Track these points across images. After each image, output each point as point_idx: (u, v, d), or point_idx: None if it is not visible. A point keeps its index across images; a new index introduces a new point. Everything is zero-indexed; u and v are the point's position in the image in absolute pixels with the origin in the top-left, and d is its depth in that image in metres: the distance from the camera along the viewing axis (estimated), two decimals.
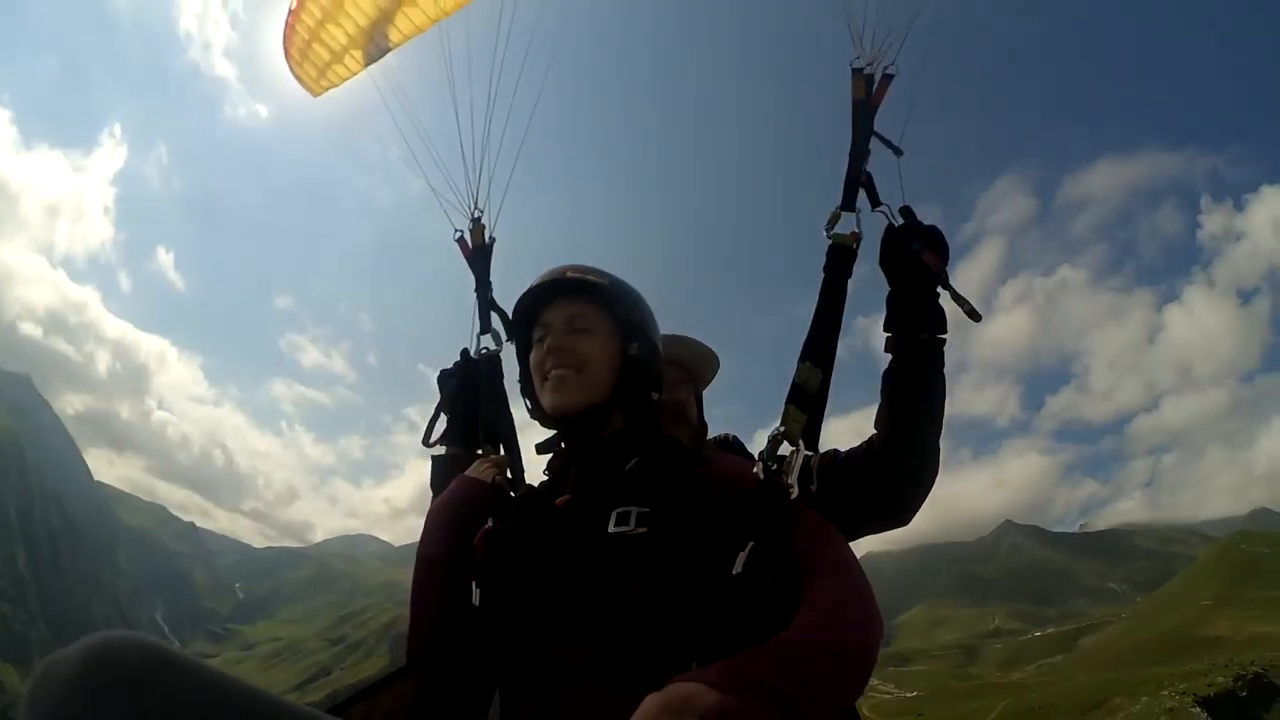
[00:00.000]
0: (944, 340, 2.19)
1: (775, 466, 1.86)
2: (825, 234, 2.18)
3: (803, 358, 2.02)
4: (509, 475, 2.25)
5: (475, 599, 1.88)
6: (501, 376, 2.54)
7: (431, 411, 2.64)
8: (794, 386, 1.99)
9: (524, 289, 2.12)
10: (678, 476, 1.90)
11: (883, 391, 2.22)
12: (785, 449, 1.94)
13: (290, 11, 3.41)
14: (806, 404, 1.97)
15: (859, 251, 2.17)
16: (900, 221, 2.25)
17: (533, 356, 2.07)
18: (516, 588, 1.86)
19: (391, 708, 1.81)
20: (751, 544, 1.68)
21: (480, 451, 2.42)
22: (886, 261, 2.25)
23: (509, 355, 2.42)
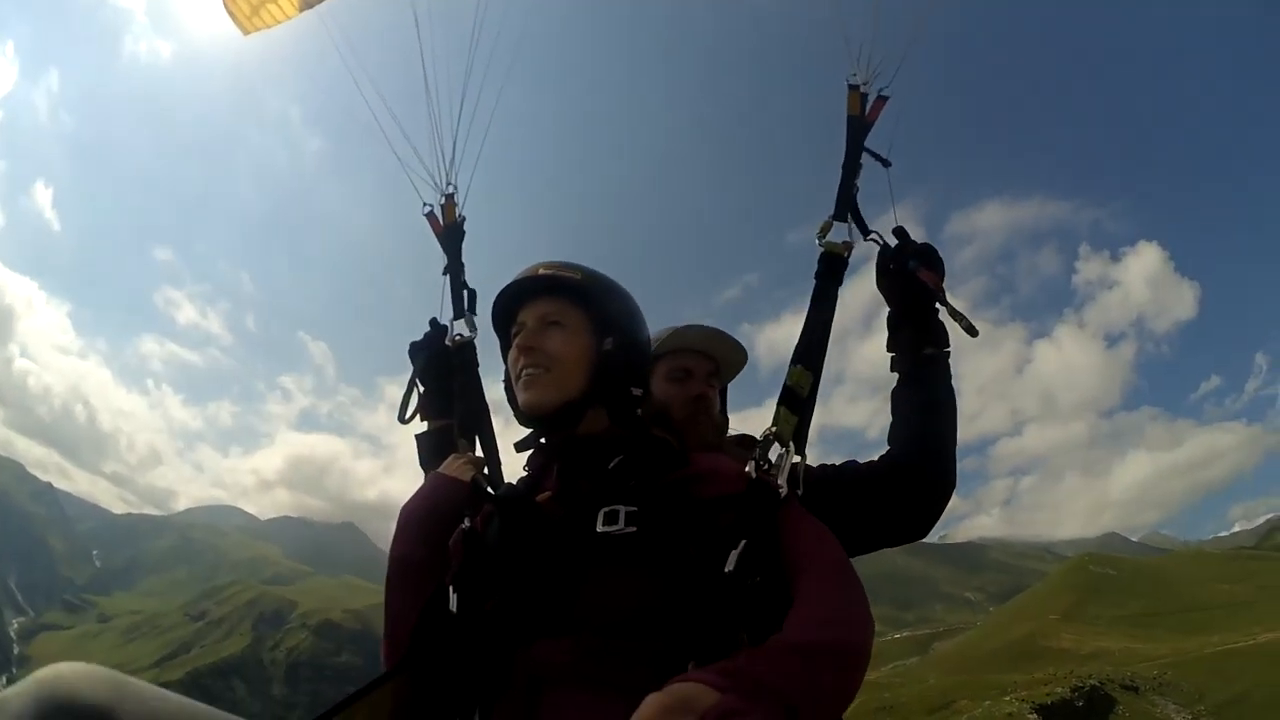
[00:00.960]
0: (948, 353, 2.27)
1: (766, 467, 1.85)
2: (817, 242, 2.21)
3: (794, 361, 2.03)
4: (486, 472, 2.22)
5: (452, 603, 1.80)
6: (477, 365, 2.48)
7: (405, 385, 2.56)
8: (785, 389, 2.00)
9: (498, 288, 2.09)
10: (663, 475, 1.85)
11: (894, 410, 2.25)
12: (775, 450, 1.92)
13: None
14: (797, 406, 1.98)
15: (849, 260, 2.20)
16: (894, 242, 2.29)
17: (510, 356, 2.03)
18: (497, 589, 1.78)
19: (370, 718, 1.73)
20: (744, 543, 1.67)
21: (458, 448, 2.33)
22: (884, 281, 2.31)
23: (488, 343, 2.29)
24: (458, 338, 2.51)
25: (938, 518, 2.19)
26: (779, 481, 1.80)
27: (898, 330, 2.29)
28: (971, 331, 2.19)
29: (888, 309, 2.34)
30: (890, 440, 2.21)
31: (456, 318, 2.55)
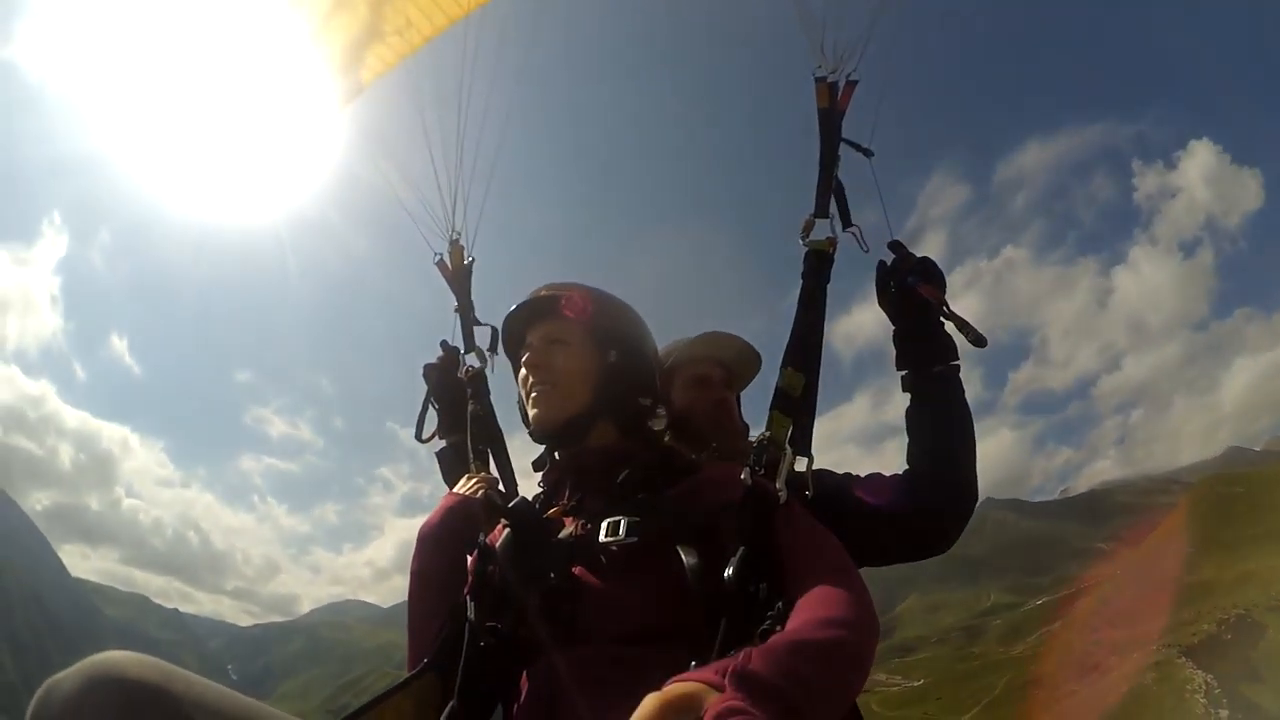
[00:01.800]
0: (957, 367, 2.23)
1: (762, 472, 1.86)
2: (801, 241, 2.19)
3: (785, 363, 2.04)
4: (499, 490, 2.33)
5: (470, 612, 1.88)
6: (488, 393, 2.61)
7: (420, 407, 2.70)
8: (777, 392, 2.00)
9: (506, 312, 2.25)
10: (669, 485, 1.94)
11: (910, 429, 2.24)
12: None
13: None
14: (791, 408, 1.98)
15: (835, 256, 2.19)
16: (891, 257, 2.30)
17: (519, 376, 2.19)
18: (510, 599, 1.89)
19: (416, 711, 1.82)
20: (742, 549, 1.69)
21: (471, 469, 2.47)
22: (885, 299, 2.31)
23: (503, 371, 2.54)
24: (469, 369, 2.63)
25: (960, 533, 2.19)
26: (777, 486, 1.81)
27: (904, 348, 2.25)
28: (979, 342, 2.13)
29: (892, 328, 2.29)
30: (909, 460, 2.20)
31: (467, 351, 2.67)
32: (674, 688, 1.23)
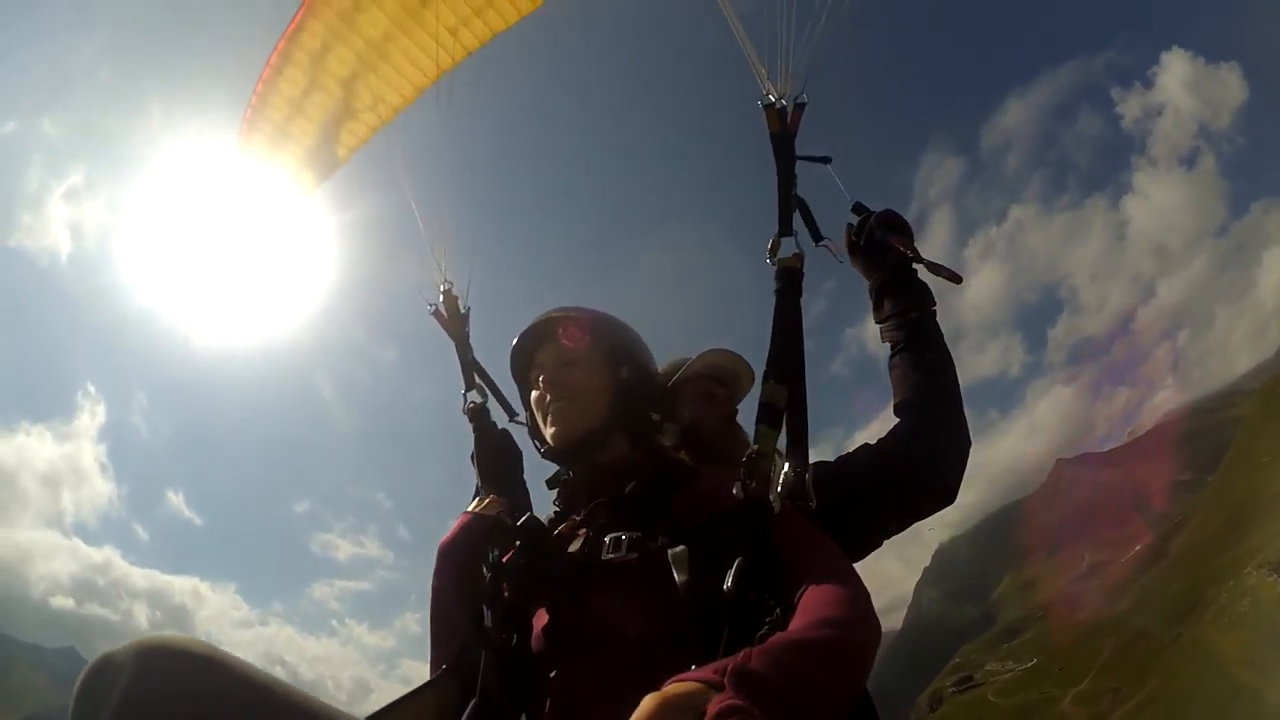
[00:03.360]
0: (935, 312, 2.28)
1: (754, 484, 1.87)
2: (769, 261, 2.23)
3: (766, 378, 2.07)
4: (510, 512, 2.39)
5: (488, 619, 1.97)
6: (493, 424, 2.80)
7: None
8: (761, 406, 2.03)
9: (514, 338, 2.32)
10: (673, 496, 1.99)
11: (893, 380, 2.27)
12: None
13: (242, 125, 3.57)
14: (776, 421, 2.01)
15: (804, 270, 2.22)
16: (854, 221, 2.36)
17: (533, 397, 2.25)
18: (522, 612, 1.96)
19: (435, 716, 1.95)
20: (739, 559, 1.71)
21: (481, 494, 2.62)
22: (857, 258, 2.38)
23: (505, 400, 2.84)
24: (472, 405, 2.79)
25: (959, 480, 2.17)
26: (770, 497, 1.84)
27: (880, 300, 2.28)
28: (954, 279, 2.16)
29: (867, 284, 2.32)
30: (896, 412, 2.21)
31: (468, 390, 2.81)
32: (673, 687, 1.23)
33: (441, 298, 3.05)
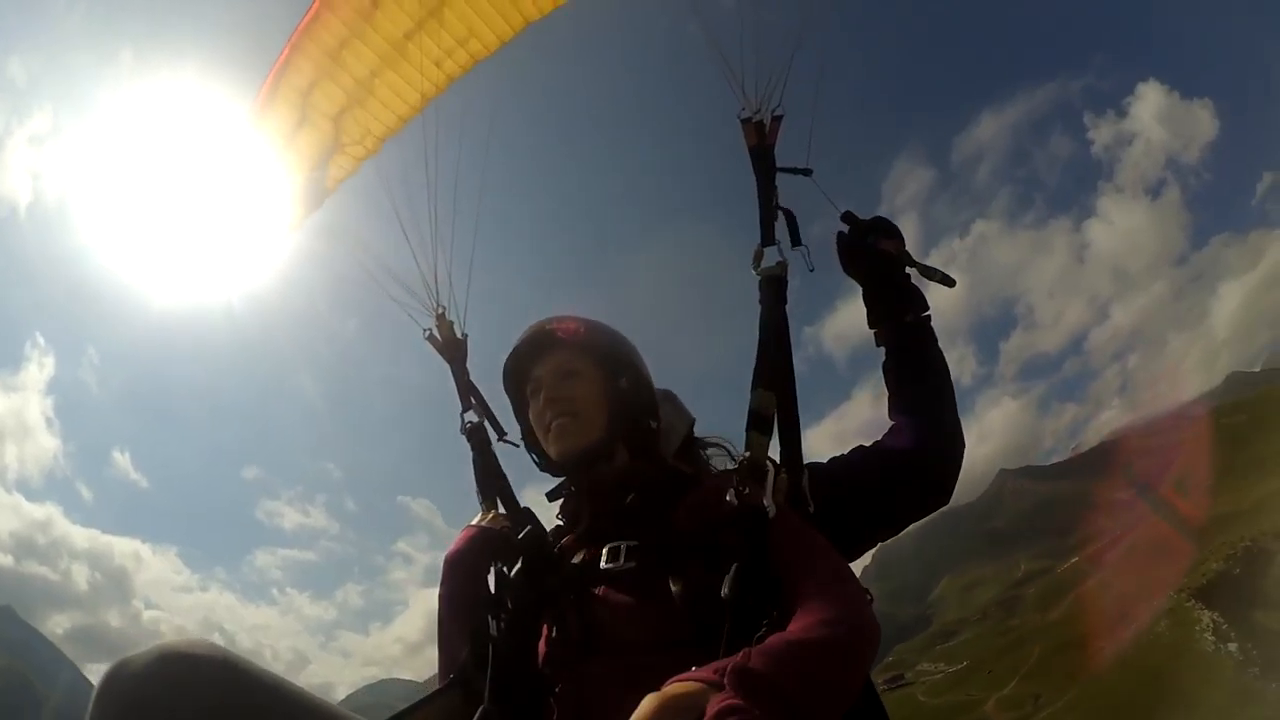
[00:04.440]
0: (929, 317, 2.29)
1: (747, 490, 1.88)
2: (754, 271, 2.22)
3: (755, 385, 2.05)
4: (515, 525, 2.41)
5: (493, 629, 2.01)
6: (489, 443, 2.69)
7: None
8: (751, 413, 2.01)
9: (509, 350, 2.29)
10: (673, 503, 2.01)
11: (888, 384, 2.29)
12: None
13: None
14: (767, 427, 2.00)
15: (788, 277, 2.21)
16: (846, 226, 2.37)
17: (532, 412, 2.23)
18: (526, 623, 2.01)
19: None
20: (736, 565, 1.72)
21: (482, 509, 2.58)
22: (850, 264, 2.38)
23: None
24: (469, 424, 2.71)
25: (955, 480, 2.20)
26: (765, 502, 1.83)
27: (874, 305, 2.29)
28: (948, 282, 2.19)
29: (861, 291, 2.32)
30: (891, 415, 2.23)
31: (465, 410, 2.75)
32: (673, 687, 1.24)
33: (435, 322, 2.92)
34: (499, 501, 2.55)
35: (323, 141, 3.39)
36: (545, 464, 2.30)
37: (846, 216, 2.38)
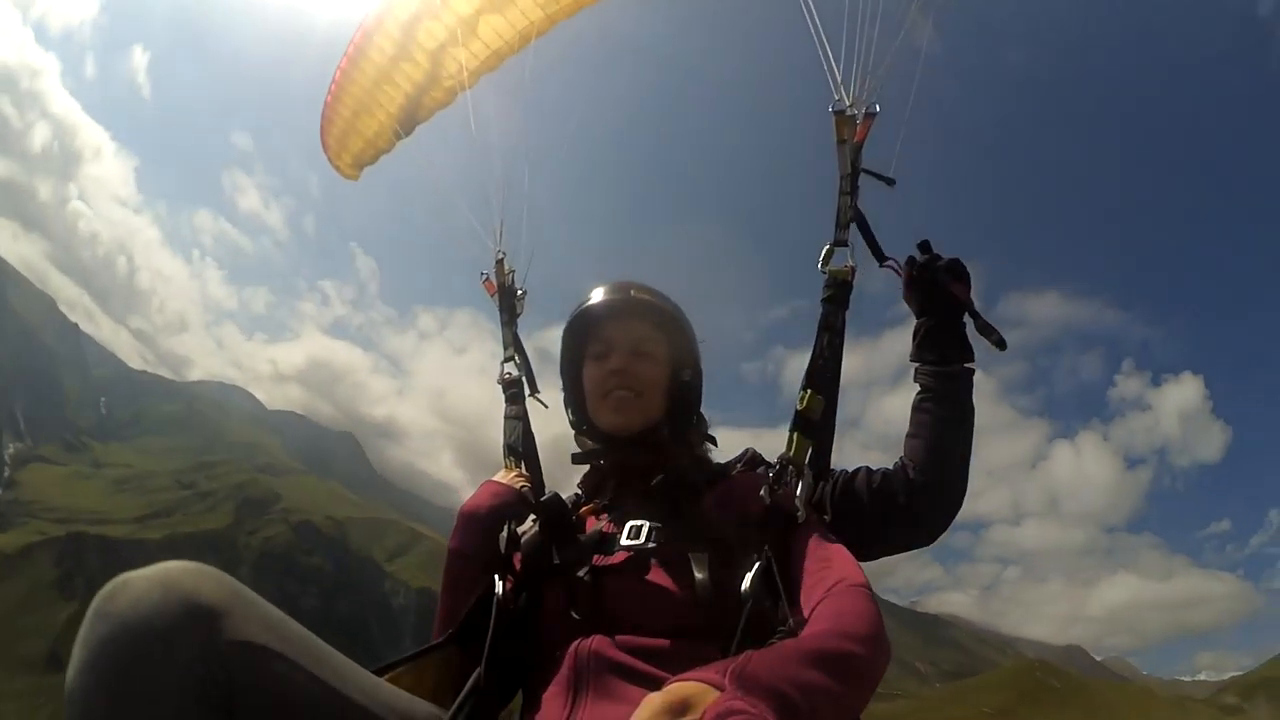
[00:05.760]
0: (973, 370, 2.25)
1: (781, 491, 1.90)
2: (820, 269, 2.21)
3: (805, 385, 2.06)
4: (535, 486, 2.48)
5: (499, 589, 1.96)
6: (524, 399, 2.78)
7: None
8: (797, 414, 2.03)
9: (581, 298, 2.22)
10: (701, 492, 2.01)
11: (916, 421, 2.24)
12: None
13: (325, 104, 3.76)
14: (811, 431, 2.01)
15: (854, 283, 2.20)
16: (921, 256, 2.30)
17: (592, 372, 2.18)
18: (533, 586, 1.96)
19: (436, 678, 1.93)
20: (758, 563, 1.73)
21: (507, 466, 2.61)
22: (913, 294, 2.30)
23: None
24: (508, 375, 2.80)
25: (945, 528, 2.23)
26: (796, 505, 1.85)
27: (925, 342, 2.25)
28: (1001, 345, 2.20)
29: (915, 320, 2.31)
30: (907, 449, 2.22)
31: (507, 361, 2.82)
32: (675, 687, 1.23)
33: (494, 267, 3.05)
34: (523, 462, 2.60)
35: (419, 75, 3.54)
36: (589, 430, 2.21)
37: (923, 246, 2.29)
